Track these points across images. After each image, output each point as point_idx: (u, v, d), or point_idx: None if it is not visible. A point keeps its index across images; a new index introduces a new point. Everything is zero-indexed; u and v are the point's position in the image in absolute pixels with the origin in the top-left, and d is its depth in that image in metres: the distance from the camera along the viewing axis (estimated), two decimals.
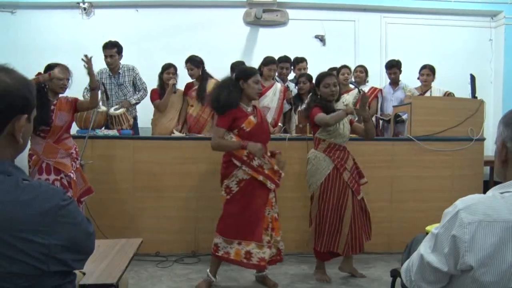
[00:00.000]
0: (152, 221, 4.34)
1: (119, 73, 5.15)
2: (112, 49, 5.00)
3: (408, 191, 4.49)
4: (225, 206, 3.46)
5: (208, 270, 3.56)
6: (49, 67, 3.74)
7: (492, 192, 1.32)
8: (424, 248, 1.36)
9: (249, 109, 3.51)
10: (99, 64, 5.20)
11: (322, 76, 3.73)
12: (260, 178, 3.40)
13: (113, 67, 5.11)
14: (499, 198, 1.26)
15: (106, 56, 5.00)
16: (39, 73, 3.69)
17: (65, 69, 3.76)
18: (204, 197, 4.32)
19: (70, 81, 3.75)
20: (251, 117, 3.45)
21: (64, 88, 3.72)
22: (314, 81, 3.98)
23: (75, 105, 3.79)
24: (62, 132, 3.65)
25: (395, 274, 1.81)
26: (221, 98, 3.40)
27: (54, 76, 3.61)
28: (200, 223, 4.34)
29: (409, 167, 4.52)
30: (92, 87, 3.83)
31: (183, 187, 4.36)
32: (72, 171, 3.60)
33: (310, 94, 4.06)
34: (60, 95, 3.80)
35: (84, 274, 1.58)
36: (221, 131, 3.40)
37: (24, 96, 1.23)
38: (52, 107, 3.66)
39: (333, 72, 5.09)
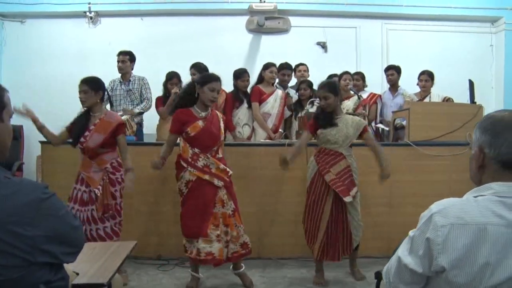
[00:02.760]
0: (154, 225, 4.42)
1: (130, 80, 5.38)
2: (125, 56, 5.30)
3: (407, 195, 4.53)
4: (181, 207, 3.62)
5: (190, 270, 3.69)
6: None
7: (467, 195, 1.36)
8: (401, 251, 1.40)
9: (203, 114, 3.59)
10: (105, 70, 5.37)
11: (317, 87, 3.83)
12: (206, 177, 3.51)
13: (125, 73, 5.34)
14: (472, 202, 1.30)
15: (118, 62, 5.30)
16: None
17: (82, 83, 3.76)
18: None
19: (91, 94, 3.68)
20: (199, 122, 3.53)
21: (81, 101, 3.72)
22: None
23: (115, 130, 3.69)
24: (96, 149, 3.65)
25: (378, 276, 1.86)
26: (177, 101, 3.66)
27: None
28: None
29: (407, 172, 4.56)
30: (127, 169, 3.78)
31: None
32: (99, 187, 3.60)
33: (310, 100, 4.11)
34: (110, 113, 3.82)
35: (77, 274, 1.67)
36: (169, 137, 3.67)
37: None
38: (92, 127, 3.65)
39: (332, 78, 5.20)
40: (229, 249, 3.57)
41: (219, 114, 3.77)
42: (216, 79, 3.60)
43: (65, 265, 1.43)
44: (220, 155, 3.66)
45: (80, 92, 3.69)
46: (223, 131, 3.73)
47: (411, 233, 1.39)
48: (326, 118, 3.72)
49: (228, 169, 3.62)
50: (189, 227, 3.52)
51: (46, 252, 1.29)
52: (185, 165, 3.53)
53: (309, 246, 3.78)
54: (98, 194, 3.58)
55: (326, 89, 3.68)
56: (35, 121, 3.81)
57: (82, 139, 3.63)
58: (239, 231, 3.61)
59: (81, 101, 3.71)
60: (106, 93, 4.77)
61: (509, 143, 1.30)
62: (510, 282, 1.21)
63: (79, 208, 3.59)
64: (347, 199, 3.61)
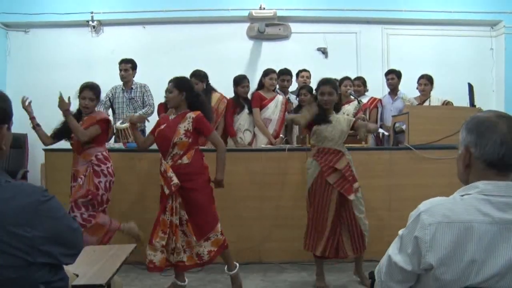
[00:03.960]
0: None
1: (132, 88, 5.47)
2: (127, 64, 5.40)
3: (407, 199, 4.50)
4: None
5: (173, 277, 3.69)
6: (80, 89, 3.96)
7: (454, 195, 1.39)
8: (391, 249, 1.44)
9: (172, 116, 3.62)
10: (108, 78, 5.46)
11: (319, 83, 3.80)
12: (161, 182, 3.50)
13: (127, 81, 5.43)
14: (458, 200, 1.33)
15: (121, 70, 5.38)
16: None
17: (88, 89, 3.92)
18: None
19: (95, 102, 3.94)
20: (163, 126, 3.57)
21: (86, 107, 3.89)
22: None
23: (99, 122, 3.86)
24: (82, 145, 3.82)
25: (372, 276, 1.88)
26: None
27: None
28: None
29: (407, 175, 4.57)
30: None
31: None
32: (82, 176, 3.73)
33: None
34: (97, 112, 4.04)
35: (77, 276, 1.71)
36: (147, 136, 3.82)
37: (3, 108, 1.37)
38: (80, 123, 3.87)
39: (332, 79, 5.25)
40: (174, 256, 3.48)
41: (192, 116, 3.51)
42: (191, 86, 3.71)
43: (65, 267, 1.47)
44: (187, 161, 3.47)
45: (85, 98, 3.83)
46: (181, 132, 3.46)
47: (400, 232, 1.44)
48: (322, 114, 3.72)
49: (173, 179, 3.39)
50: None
51: (45, 253, 1.32)
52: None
53: (306, 249, 3.77)
54: (81, 183, 3.70)
55: (332, 86, 3.73)
56: (31, 118, 4.02)
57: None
58: (190, 242, 3.49)
59: (85, 107, 3.87)
60: (108, 99, 4.95)
61: (494, 142, 1.33)
62: (496, 278, 1.24)
63: (70, 200, 3.71)
64: (351, 197, 3.63)
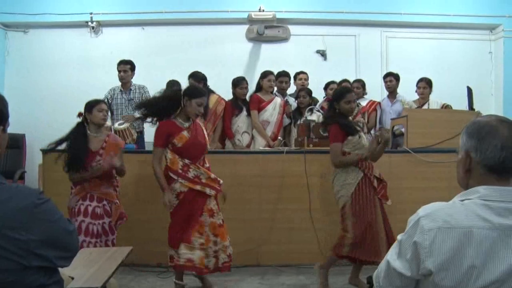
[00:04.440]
0: (154, 232, 4.43)
1: (131, 89, 5.47)
2: (126, 65, 5.40)
3: (406, 202, 4.50)
4: (171, 218, 3.63)
5: (174, 279, 3.69)
6: (89, 104, 3.77)
7: (454, 199, 1.38)
8: (390, 255, 1.42)
9: (186, 124, 3.58)
10: (107, 79, 5.45)
11: (343, 92, 3.78)
12: (198, 187, 3.50)
13: (126, 82, 5.43)
14: (458, 206, 1.32)
15: (120, 71, 5.38)
16: (80, 113, 3.77)
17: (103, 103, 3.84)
18: None
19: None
20: (184, 132, 3.53)
21: (105, 119, 3.78)
22: (332, 95, 4.04)
23: (119, 151, 3.80)
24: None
25: (370, 280, 1.88)
26: (159, 107, 3.56)
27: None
28: None
29: (406, 179, 4.56)
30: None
31: None
32: (117, 200, 3.74)
33: (327, 105, 4.08)
34: (109, 134, 3.86)
35: (73, 278, 1.70)
36: (158, 152, 3.54)
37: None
38: (101, 150, 3.68)
39: (329, 85, 5.28)
40: (219, 259, 3.55)
41: (200, 123, 3.77)
42: (204, 94, 3.62)
43: (61, 269, 1.46)
44: (207, 164, 3.68)
45: (102, 110, 3.73)
46: (207, 139, 3.75)
47: (399, 237, 1.41)
48: (352, 124, 3.79)
49: (218, 178, 3.62)
50: (175, 237, 3.54)
51: (40, 256, 1.31)
52: (175, 176, 3.50)
53: (345, 255, 3.69)
54: (118, 204, 3.71)
55: (354, 93, 3.83)
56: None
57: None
58: (226, 244, 3.61)
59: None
60: (107, 101, 4.91)
61: (494, 147, 1.32)
62: (496, 284, 1.22)
63: (91, 221, 3.61)
64: (389, 202, 3.74)
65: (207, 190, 3.53)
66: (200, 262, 3.48)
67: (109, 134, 3.87)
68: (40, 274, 1.34)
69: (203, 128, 3.74)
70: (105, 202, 3.67)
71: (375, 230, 3.61)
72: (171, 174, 3.52)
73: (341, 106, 3.73)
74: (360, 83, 5.80)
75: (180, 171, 3.50)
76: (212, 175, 3.59)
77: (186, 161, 3.52)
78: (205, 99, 3.63)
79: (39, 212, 1.31)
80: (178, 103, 3.57)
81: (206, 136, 3.70)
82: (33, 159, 6.39)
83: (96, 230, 3.61)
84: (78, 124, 3.74)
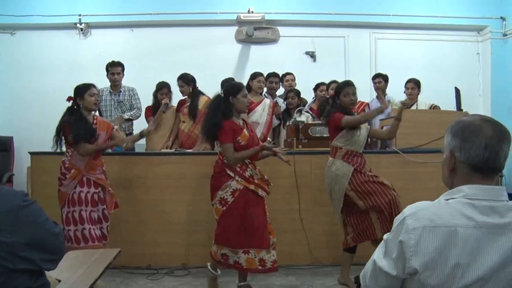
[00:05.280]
0: (143, 234, 4.42)
1: (120, 91, 5.45)
2: (118, 67, 5.38)
3: None
4: (222, 217, 3.50)
5: (239, 283, 3.62)
6: (78, 89, 3.80)
7: (439, 198, 1.39)
8: (377, 254, 1.42)
9: (240, 122, 3.62)
10: (96, 81, 5.38)
11: (341, 86, 3.88)
12: (252, 187, 3.49)
13: (117, 84, 5.41)
14: (443, 205, 1.34)
15: (113, 73, 5.35)
16: (70, 97, 3.79)
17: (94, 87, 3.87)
18: (194, 211, 4.41)
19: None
20: (245, 131, 3.56)
21: (97, 104, 3.84)
22: (334, 90, 4.08)
23: (111, 131, 3.94)
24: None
25: (358, 280, 1.89)
26: (217, 117, 3.52)
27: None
28: (190, 237, 4.42)
29: (395, 179, 4.53)
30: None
31: (174, 201, 4.44)
32: (110, 188, 3.83)
33: (329, 101, 4.07)
34: (95, 115, 3.91)
35: (59, 281, 1.68)
36: (231, 146, 3.48)
37: None
38: (94, 126, 3.77)
39: (319, 87, 5.29)
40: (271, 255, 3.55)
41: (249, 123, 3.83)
42: (243, 86, 3.73)
43: (47, 272, 1.44)
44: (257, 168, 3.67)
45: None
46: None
47: (385, 236, 1.42)
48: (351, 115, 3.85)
49: (270, 180, 3.64)
50: (237, 239, 3.44)
51: (25, 259, 1.29)
52: (232, 174, 3.48)
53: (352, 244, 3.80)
54: (112, 192, 3.83)
55: (354, 87, 3.86)
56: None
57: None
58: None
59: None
60: None
61: (478, 146, 1.33)
62: (480, 282, 1.24)
63: (92, 209, 3.69)
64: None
65: (260, 191, 3.53)
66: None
67: (94, 115, 3.90)
68: (26, 277, 1.33)
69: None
70: (99, 189, 3.75)
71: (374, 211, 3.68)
72: (229, 171, 3.49)
73: (341, 100, 3.82)
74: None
75: (238, 169, 3.50)
76: (265, 176, 3.61)
77: (246, 160, 3.54)
78: (246, 90, 3.70)
79: (25, 214, 1.30)
80: (226, 104, 3.56)
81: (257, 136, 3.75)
82: (21, 162, 6.34)
83: (97, 217, 3.73)
84: (70, 109, 3.76)
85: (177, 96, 5.34)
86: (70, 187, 3.66)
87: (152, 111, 5.19)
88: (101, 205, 3.77)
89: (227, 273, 3.82)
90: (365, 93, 6.38)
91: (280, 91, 5.90)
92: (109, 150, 4.53)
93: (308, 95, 5.84)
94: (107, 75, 5.42)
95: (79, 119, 3.68)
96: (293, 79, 5.82)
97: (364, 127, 3.88)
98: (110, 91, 5.44)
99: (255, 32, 6.83)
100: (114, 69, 5.36)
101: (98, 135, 3.76)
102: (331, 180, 3.79)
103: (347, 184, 3.71)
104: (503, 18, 7.02)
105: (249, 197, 3.48)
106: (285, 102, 5.46)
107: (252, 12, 6.56)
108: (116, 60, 5.44)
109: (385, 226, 3.60)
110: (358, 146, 3.81)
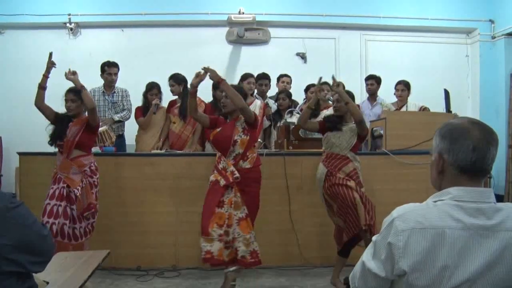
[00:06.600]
0: (133, 235, 4.40)
1: (114, 92, 5.39)
2: (115, 68, 5.33)
3: (385, 204, 4.43)
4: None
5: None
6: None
7: (427, 200, 1.40)
8: (366, 255, 1.43)
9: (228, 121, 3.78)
10: (86, 81, 5.35)
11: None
12: (219, 177, 3.58)
13: (112, 85, 5.36)
14: (431, 206, 1.34)
15: (110, 74, 5.29)
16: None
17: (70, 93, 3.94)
18: (184, 212, 4.39)
19: (77, 103, 3.89)
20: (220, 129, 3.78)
21: (68, 109, 3.89)
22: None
23: (86, 120, 3.90)
24: (72, 147, 3.80)
25: (347, 282, 1.89)
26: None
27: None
28: (180, 238, 4.41)
29: (385, 181, 4.60)
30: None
31: (164, 202, 4.43)
32: (78, 188, 3.73)
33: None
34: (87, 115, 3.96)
35: (47, 283, 1.67)
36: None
37: None
38: (70, 124, 3.85)
39: (310, 89, 5.30)
40: (238, 252, 3.50)
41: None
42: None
43: (35, 274, 1.43)
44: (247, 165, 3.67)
45: (67, 100, 3.86)
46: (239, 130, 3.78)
47: (374, 238, 1.42)
48: (335, 121, 3.91)
49: (234, 172, 3.58)
50: (201, 226, 3.53)
51: (13, 262, 1.28)
52: (214, 168, 3.73)
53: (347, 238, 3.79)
54: (78, 195, 3.71)
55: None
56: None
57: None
58: (248, 238, 3.56)
59: (68, 109, 3.88)
60: None
61: (466, 148, 1.34)
62: (468, 283, 1.25)
63: (57, 203, 3.66)
64: (363, 189, 3.82)
65: (222, 181, 3.56)
66: (218, 254, 3.45)
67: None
68: (13, 279, 1.31)
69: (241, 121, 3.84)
70: (70, 188, 3.72)
71: (352, 205, 3.68)
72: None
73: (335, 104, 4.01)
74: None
75: (216, 163, 3.71)
76: (236, 173, 3.57)
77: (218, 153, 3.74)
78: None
79: (12, 216, 1.28)
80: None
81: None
82: (10, 163, 6.28)
83: (63, 212, 3.64)
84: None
85: (167, 96, 5.32)
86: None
87: (142, 112, 5.16)
88: (70, 204, 3.72)
89: (216, 274, 3.81)
90: (356, 95, 6.37)
91: (273, 91, 5.88)
92: (99, 150, 4.52)
93: (299, 96, 5.84)
94: (102, 75, 5.34)
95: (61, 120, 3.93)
96: (289, 82, 5.79)
97: (348, 129, 3.88)
98: (103, 91, 5.37)
99: (246, 33, 6.84)
100: (112, 69, 5.30)
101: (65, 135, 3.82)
102: (316, 183, 3.93)
103: (321, 187, 3.83)
104: (491, 21, 7.08)
105: (213, 187, 3.59)
106: (276, 103, 5.46)
107: (243, 13, 6.56)
108: (105, 60, 5.38)
109: (350, 232, 3.69)
110: (339, 149, 3.84)
